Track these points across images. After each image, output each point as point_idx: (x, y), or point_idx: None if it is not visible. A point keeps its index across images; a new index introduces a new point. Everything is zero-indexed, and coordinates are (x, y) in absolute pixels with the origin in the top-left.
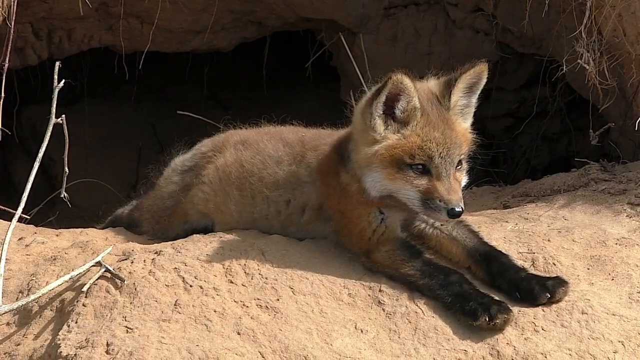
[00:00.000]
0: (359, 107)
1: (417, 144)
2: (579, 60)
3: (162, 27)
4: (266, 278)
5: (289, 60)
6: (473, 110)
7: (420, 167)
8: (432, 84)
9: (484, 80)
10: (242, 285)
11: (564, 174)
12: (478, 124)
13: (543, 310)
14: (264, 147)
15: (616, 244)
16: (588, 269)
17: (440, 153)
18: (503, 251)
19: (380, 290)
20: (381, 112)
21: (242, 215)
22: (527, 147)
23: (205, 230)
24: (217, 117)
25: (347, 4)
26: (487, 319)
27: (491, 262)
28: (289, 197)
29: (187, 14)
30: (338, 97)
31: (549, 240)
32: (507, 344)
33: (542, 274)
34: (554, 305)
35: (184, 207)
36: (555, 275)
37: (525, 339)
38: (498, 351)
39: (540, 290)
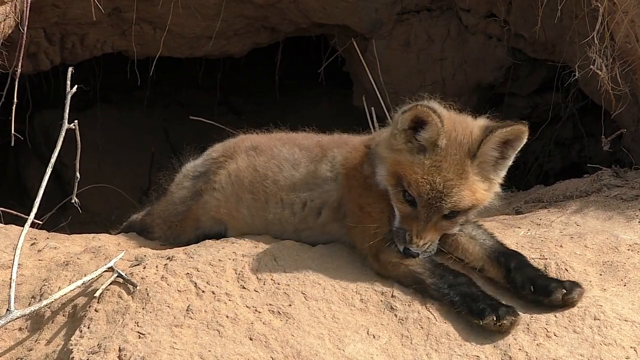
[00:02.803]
0: (398, 113)
1: (415, 178)
2: (591, 66)
3: (174, 32)
4: (278, 284)
5: (301, 66)
6: (509, 163)
7: (410, 197)
8: (479, 124)
9: (524, 140)
10: (255, 290)
11: (577, 179)
12: None
13: (555, 316)
14: (278, 152)
15: (629, 249)
16: (600, 274)
17: (429, 200)
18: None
19: (392, 296)
20: (406, 128)
21: (254, 220)
22: (540, 152)
23: (218, 235)
24: (230, 122)
25: (360, 10)
26: (495, 319)
27: (510, 258)
28: (306, 199)
29: (199, 20)
30: (351, 102)
31: (561, 246)
32: (520, 349)
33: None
34: (566, 311)
35: (196, 213)
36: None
37: (537, 344)
38: (510, 357)
39: (557, 286)
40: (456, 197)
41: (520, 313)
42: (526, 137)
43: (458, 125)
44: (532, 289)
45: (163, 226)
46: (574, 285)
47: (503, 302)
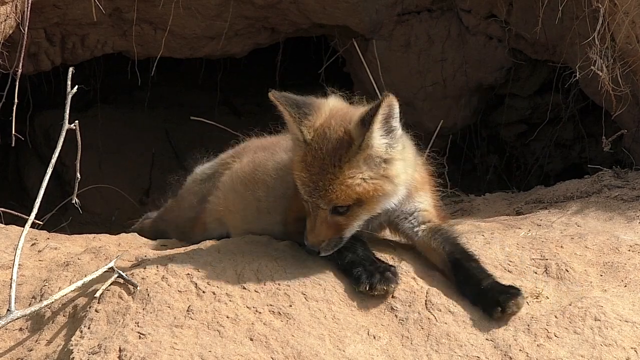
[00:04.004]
0: None
1: (293, 174)
2: (592, 67)
3: (175, 33)
4: (279, 284)
5: (302, 66)
6: (399, 132)
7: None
8: (356, 116)
9: (397, 106)
10: (255, 291)
11: (577, 180)
12: (491, 131)
13: (556, 317)
14: (280, 146)
15: (629, 250)
16: (601, 275)
17: (305, 195)
18: (475, 256)
19: (392, 297)
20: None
21: (246, 213)
22: (540, 153)
23: (221, 238)
24: (230, 122)
25: (360, 10)
26: (368, 288)
27: (458, 270)
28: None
29: (200, 20)
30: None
31: (562, 246)
32: (520, 350)
33: (506, 284)
34: (566, 312)
35: (203, 218)
36: (515, 285)
37: (537, 345)
38: (511, 357)
39: (494, 307)
40: (328, 193)
41: (396, 281)
42: (395, 102)
43: (336, 118)
44: (480, 308)
45: (177, 231)
46: (508, 297)
47: (385, 266)
